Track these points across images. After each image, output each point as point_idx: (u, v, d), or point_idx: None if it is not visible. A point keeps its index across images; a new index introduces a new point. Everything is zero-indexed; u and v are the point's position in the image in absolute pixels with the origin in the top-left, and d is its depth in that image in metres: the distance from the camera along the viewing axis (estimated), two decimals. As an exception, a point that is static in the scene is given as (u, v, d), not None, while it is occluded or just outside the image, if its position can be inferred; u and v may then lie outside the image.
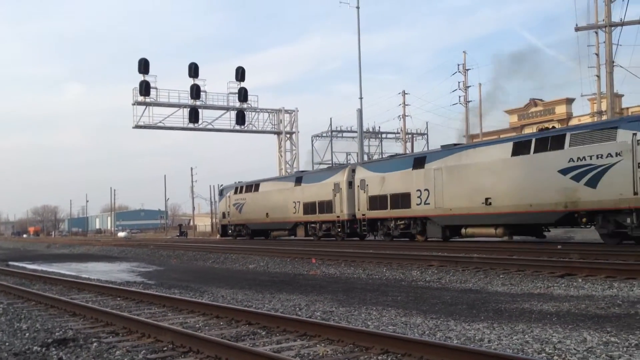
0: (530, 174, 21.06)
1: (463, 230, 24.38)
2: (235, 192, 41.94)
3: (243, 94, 46.72)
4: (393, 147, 64.19)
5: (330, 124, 61.27)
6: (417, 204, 25.83)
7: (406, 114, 54.19)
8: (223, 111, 47.01)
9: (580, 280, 12.47)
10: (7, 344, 7.90)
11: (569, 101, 55.64)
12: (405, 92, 53.95)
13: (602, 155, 18.78)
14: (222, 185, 46.48)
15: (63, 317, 9.94)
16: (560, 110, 55.98)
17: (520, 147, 21.68)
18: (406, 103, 53.95)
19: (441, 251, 20.02)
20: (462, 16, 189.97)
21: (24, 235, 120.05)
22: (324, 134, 61.77)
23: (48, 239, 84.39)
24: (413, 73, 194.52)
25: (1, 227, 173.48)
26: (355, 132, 49.48)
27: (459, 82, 49.90)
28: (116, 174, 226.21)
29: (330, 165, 52.26)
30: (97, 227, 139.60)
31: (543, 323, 8.07)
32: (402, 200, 26.72)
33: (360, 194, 29.33)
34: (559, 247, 18.91)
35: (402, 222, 27.28)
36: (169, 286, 14.66)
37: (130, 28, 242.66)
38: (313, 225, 33.72)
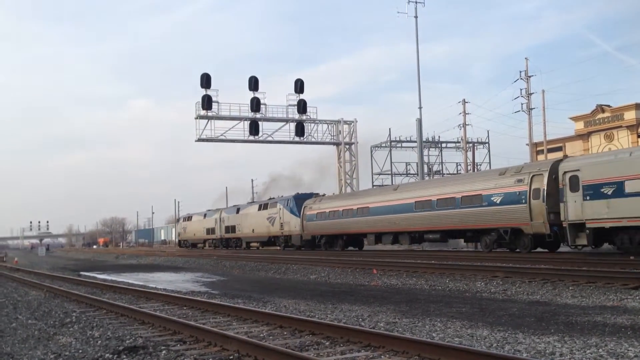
0: (261, 219, 46.39)
1: (251, 244, 50.10)
2: (184, 220, 67.78)
3: (302, 106, 47.06)
4: (453, 157, 63.33)
5: (389, 134, 61.02)
6: (238, 231, 51.04)
7: (467, 123, 53.24)
8: (282, 123, 47.45)
9: (656, 292, 11.90)
10: (80, 351, 8.19)
11: (639, 106, 53.28)
12: (466, 100, 53.04)
13: (274, 213, 44.11)
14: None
15: (133, 325, 10.24)
16: (630, 116, 53.63)
17: (261, 207, 47.46)
18: (467, 112, 53.03)
19: (506, 262, 19.55)
20: (525, 22, 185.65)
21: (94, 247, 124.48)
22: (383, 144, 61.49)
23: (116, 249, 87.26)
24: (474, 81, 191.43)
25: (73, 239, 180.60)
26: (415, 142, 49.05)
27: (521, 90, 48.66)
28: (180, 186, 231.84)
29: (391, 175, 52.48)
30: (162, 238, 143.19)
31: (617, 337, 7.75)
32: (234, 229, 51.93)
33: (222, 224, 54.31)
34: (632, 257, 18.16)
35: (234, 240, 52.30)
36: (233, 296, 14.87)
37: (193, 45, 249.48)
38: (209, 240, 58.64)
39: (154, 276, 26.04)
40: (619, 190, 19.53)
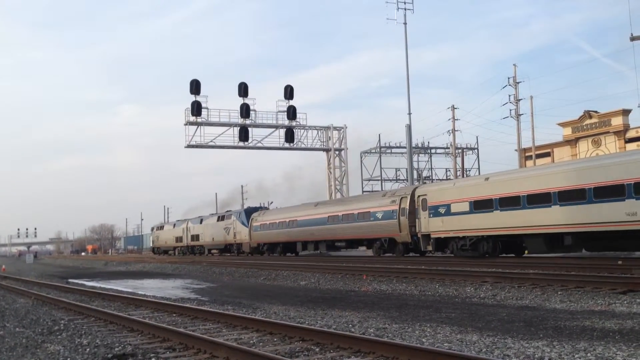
0: (219, 229, 51.39)
1: (212, 251, 54.15)
2: (157, 229, 72.58)
3: (292, 112, 47.09)
4: (443, 162, 63.60)
5: (379, 140, 61.11)
6: (201, 239, 55.75)
7: (456, 129, 53.47)
8: (272, 129, 47.46)
9: (643, 296, 11.98)
10: (68, 359, 8.13)
11: (626, 112, 53.83)
12: (455, 106, 53.23)
13: (229, 224, 49.19)
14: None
15: (122, 332, 10.18)
16: (617, 122, 54.19)
17: (219, 218, 52.36)
18: (456, 117, 53.26)
19: (495, 267, 19.62)
20: (515, 29, 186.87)
21: (83, 254, 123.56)
22: (373, 150, 61.58)
23: (105, 256, 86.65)
24: (464, 87, 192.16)
25: (61, 246, 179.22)
26: (405, 147, 49.20)
27: (509, 96, 48.98)
28: (169, 193, 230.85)
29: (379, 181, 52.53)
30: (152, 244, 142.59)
31: (606, 341, 7.80)
32: (198, 237, 56.66)
33: (189, 233, 58.89)
34: (620, 262, 18.28)
35: (198, 247, 56.79)
36: (222, 302, 14.83)
37: (182, 50, 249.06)
38: (178, 248, 62.63)
39: (143, 283, 25.90)
40: (448, 210, 25.88)
